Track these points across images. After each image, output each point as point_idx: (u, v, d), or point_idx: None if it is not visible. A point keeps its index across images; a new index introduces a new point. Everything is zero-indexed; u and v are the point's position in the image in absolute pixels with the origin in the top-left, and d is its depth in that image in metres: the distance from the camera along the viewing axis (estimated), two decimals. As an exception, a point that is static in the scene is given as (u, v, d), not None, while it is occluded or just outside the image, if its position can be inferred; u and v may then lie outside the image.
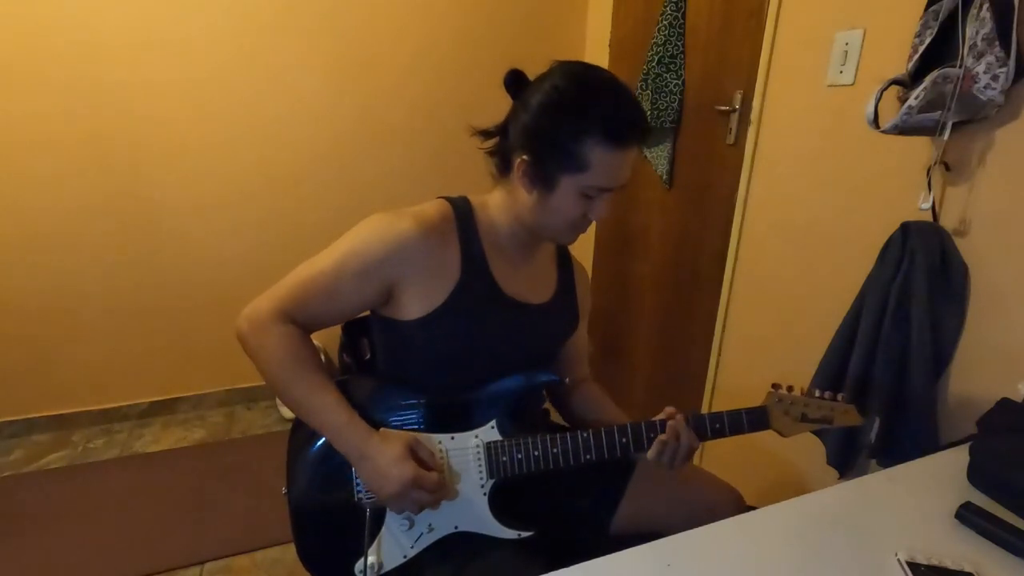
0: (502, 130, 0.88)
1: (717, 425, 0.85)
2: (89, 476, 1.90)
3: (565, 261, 1.04)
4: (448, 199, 0.91)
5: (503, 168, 0.88)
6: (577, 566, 0.66)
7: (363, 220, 0.86)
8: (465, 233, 0.88)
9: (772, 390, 0.86)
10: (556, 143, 0.79)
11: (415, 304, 0.85)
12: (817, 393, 0.86)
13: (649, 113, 1.83)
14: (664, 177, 1.93)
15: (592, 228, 2.44)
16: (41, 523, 1.68)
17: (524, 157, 0.81)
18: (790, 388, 0.86)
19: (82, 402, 2.16)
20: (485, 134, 0.90)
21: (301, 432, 0.90)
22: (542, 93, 0.80)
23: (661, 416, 0.87)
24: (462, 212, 0.90)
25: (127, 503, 1.77)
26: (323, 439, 0.86)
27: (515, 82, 0.85)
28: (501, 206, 0.90)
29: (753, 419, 0.85)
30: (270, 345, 0.82)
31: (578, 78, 0.81)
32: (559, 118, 0.79)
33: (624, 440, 0.85)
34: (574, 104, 0.78)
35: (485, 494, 0.86)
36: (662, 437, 0.84)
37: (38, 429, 2.12)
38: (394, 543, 0.85)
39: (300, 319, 0.84)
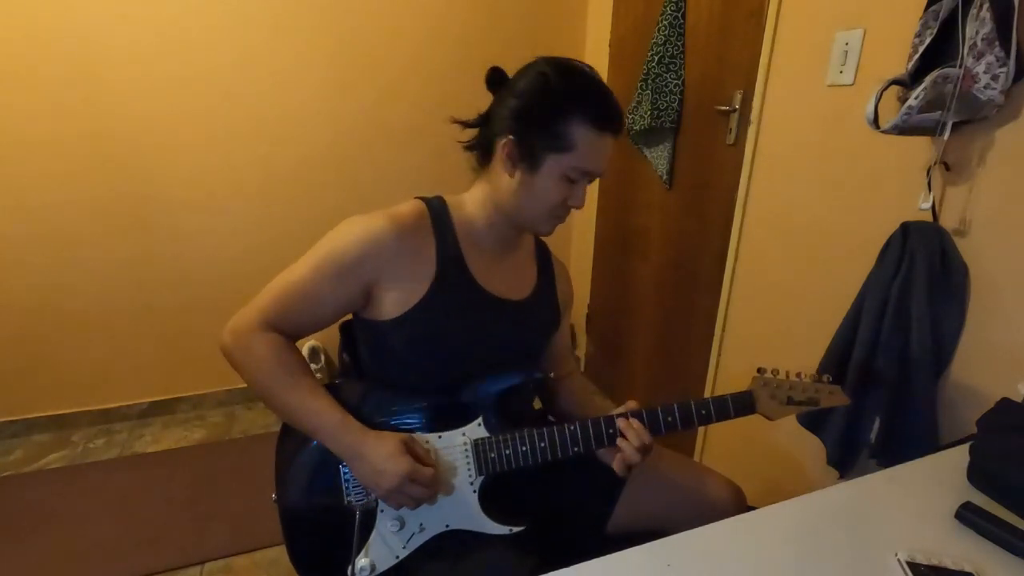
0: (484, 120, 0.90)
1: (703, 411, 0.85)
2: (89, 476, 1.90)
3: (544, 257, 1.04)
4: (423, 198, 0.92)
5: (483, 158, 0.90)
6: (577, 566, 0.66)
7: (337, 225, 0.86)
8: (440, 230, 0.89)
9: (757, 374, 0.85)
10: (543, 122, 0.81)
11: (393, 303, 0.85)
12: (802, 375, 0.86)
13: (649, 113, 1.83)
14: (664, 177, 1.93)
15: (592, 228, 2.44)
16: (41, 523, 1.68)
17: (509, 137, 0.83)
18: (775, 371, 0.85)
19: (82, 402, 2.16)
20: (466, 124, 0.92)
21: (289, 439, 0.90)
22: (528, 78, 0.84)
23: (621, 409, 0.87)
24: (437, 210, 0.90)
25: (127, 503, 1.77)
26: (311, 444, 0.86)
27: (497, 79, 0.88)
28: (479, 200, 0.91)
29: (739, 404, 0.85)
30: (256, 354, 0.82)
31: (565, 66, 0.84)
32: (547, 99, 0.81)
33: (611, 430, 0.85)
34: (563, 87, 0.82)
35: (475, 491, 0.86)
36: (622, 444, 0.84)
37: (38, 429, 2.13)
38: (385, 545, 0.85)
39: (283, 327, 0.85)
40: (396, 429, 0.86)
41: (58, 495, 1.80)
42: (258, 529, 1.66)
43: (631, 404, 0.88)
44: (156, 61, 1.91)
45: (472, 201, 0.92)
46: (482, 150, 0.90)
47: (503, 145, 0.84)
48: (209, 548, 1.60)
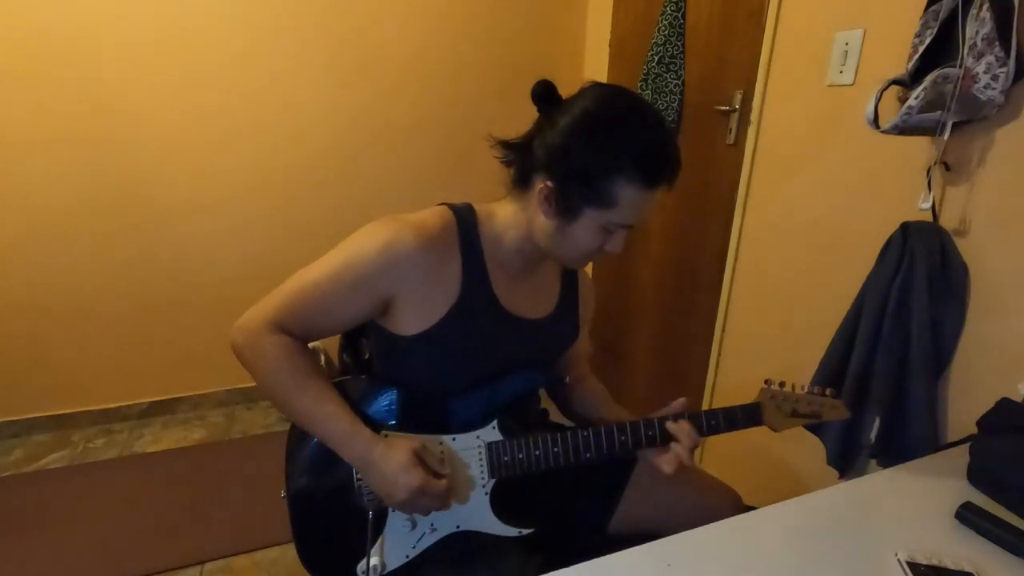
0: (527, 144, 0.82)
1: (713, 422, 0.86)
2: (89, 476, 1.90)
3: (571, 272, 1.01)
4: (452, 207, 0.87)
5: (521, 183, 0.84)
6: (577, 566, 0.66)
7: (362, 228, 0.82)
8: (467, 246, 0.85)
9: (765, 386, 0.87)
10: (585, 176, 0.75)
11: (412, 319, 0.83)
12: (807, 389, 0.88)
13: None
14: (664, 177, 1.93)
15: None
16: (41, 523, 1.68)
17: (548, 184, 0.77)
18: (782, 384, 0.87)
19: (82, 402, 2.16)
20: (508, 146, 0.85)
21: (298, 433, 0.89)
22: (573, 118, 0.76)
23: (667, 410, 0.87)
24: (465, 223, 0.85)
25: (127, 503, 1.77)
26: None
27: (545, 94, 0.80)
28: (510, 221, 0.86)
29: (747, 415, 0.87)
30: (266, 356, 0.80)
31: (613, 108, 0.76)
32: (591, 151, 0.75)
33: (623, 438, 0.85)
34: (608, 138, 0.74)
35: (486, 493, 0.86)
36: (676, 448, 0.84)
37: (38, 429, 2.12)
38: (396, 544, 0.85)
39: (295, 330, 0.82)
40: (406, 431, 0.85)
41: (58, 495, 1.80)
42: (258, 529, 1.65)
43: (676, 406, 0.88)
44: (156, 61, 1.90)
45: (503, 220, 0.87)
46: (520, 174, 0.83)
47: (540, 189, 0.78)
48: (209, 548, 1.60)
